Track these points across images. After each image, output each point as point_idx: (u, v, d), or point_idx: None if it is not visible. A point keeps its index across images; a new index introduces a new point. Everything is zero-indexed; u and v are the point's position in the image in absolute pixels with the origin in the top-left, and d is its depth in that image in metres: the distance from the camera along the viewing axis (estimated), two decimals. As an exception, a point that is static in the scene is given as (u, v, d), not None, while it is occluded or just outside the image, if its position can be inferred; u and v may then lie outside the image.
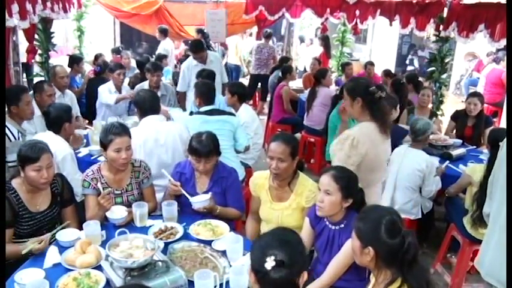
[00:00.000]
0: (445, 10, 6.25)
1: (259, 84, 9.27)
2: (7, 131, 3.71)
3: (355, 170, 2.69)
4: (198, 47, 5.81)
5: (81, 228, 2.64)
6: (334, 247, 2.51)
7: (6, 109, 3.74)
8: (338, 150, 2.90)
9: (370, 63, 8.23)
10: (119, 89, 5.47)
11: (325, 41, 9.31)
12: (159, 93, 5.25)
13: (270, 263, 1.59)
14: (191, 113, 4.25)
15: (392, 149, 4.14)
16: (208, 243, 2.56)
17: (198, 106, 4.18)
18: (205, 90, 4.18)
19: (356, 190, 2.52)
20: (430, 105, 5.84)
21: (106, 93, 5.31)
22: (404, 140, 4.31)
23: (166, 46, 8.88)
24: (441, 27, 6.25)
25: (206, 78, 4.91)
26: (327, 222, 2.57)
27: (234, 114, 4.30)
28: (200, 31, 8.66)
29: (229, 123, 4.00)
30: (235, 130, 4.03)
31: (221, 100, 4.93)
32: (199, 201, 2.86)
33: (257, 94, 9.77)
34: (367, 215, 1.97)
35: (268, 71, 8.95)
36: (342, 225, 2.52)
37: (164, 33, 8.91)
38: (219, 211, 2.93)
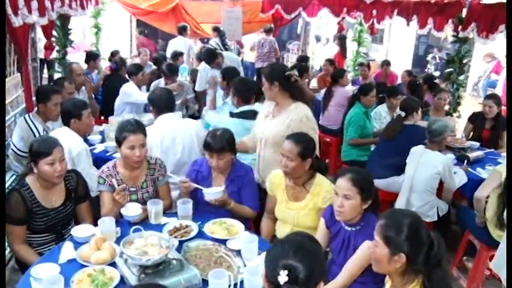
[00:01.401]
0: (464, 10, 6.18)
1: None
2: (33, 127, 3.77)
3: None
4: (211, 56, 5.77)
5: (96, 225, 2.65)
6: (350, 249, 2.48)
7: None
8: (310, 129, 3.16)
9: (387, 63, 8.19)
10: (139, 88, 5.52)
11: (342, 41, 9.26)
12: (175, 92, 5.29)
13: (283, 277, 1.49)
14: (231, 114, 4.07)
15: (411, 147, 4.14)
16: (223, 242, 2.55)
17: (237, 105, 4.08)
18: (244, 88, 4.05)
19: (373, 190, 2.49)
20: (446, 107, 5.78)
21: (138, 91, 5.35)
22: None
23: (174, 45, 8.88)
24: (460, 27, 6.17)
25: (229, 78, 4.86)
26: (343, 224, 2.53)
27: None
28: (216, 29, 8.66)
29: None
30: None
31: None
32: (212, 192, 2.86)
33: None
34: (396, 222, 1.90)
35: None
36: (358, 227, 2.48)
37: (179, 31, 8.93)
38: (233, 206, 2.93)
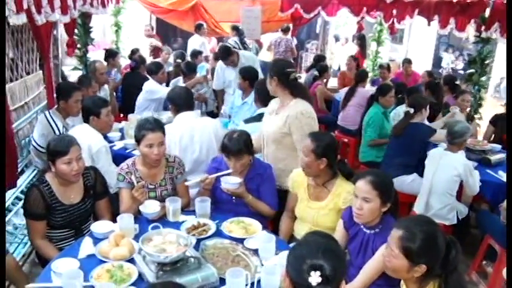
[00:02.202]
0: (487, 10, 6.07)
1: None
2: (53, 124, 3.82)
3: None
4: (225, 53, 5.74)
5: (115, 221, 2.67)
6: (368, 251, 2.47)
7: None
8: (305, 125, 3.14)
9: (408, 61, 8.09)
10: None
11: (361, 41, 9.20)
12: (193, 89, 5.33)
13: (315, 278, 1.47)
14: (245, 121, 4.06)
15: (416, 150, 4.18)
16: (241, 241, 2.55)
17: (257, 107, 4.06)
18: (265, 90, 3.93)
19: (393, 193, 2.46)
20: (467, 109, 5.70)
21: (163, 88, 5.41)
22: (432, 139, 4.23)
23: (191, 44, 8.96)
24: (483, 27, 6.07)
25: (249, 78, 4.84)
26: (362, 226, 2.52)
27: None
28: (235, 28, 8.68)
29: None
30: None
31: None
32: (229, 182, 2.89)
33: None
34: (414, 234, 1.88)
35: None
36: (377, 230, 2.46)
37: (195, 29, 8.98)
38: (250, 199, 2.95)
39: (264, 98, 3.92)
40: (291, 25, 9.38)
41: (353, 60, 7.76)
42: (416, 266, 1.87)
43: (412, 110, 4.38)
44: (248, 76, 4.84)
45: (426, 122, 4.52)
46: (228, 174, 2.99)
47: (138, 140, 2.88)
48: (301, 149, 2.83)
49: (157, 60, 7.23)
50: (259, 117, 3.84)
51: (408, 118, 4.39)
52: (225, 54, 5.67)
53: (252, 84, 4.87)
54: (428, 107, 4.48)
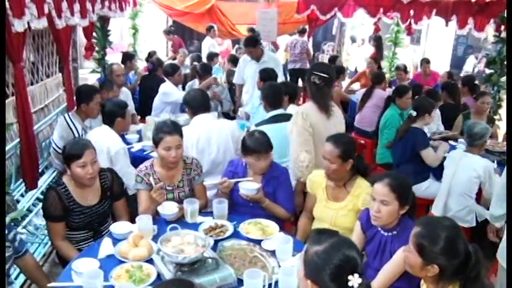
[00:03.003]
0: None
1: (299, 79, 9.21)
2: (72, 126, 3.88)
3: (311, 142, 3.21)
4: (248, 42, 5.76)
5: (133, 222, 2.70)
6: (386, 254, 2.45)
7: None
8: (293, 124, 3.30)
9: (426, 61, 7.98)
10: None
11: (378, 42, 9.14)
12: (209, 92, 5.35)
13: (355, 280, 1.47)
14: (256, 125, 3.98)
15: (410, 152, 4.18)
16: (258, 242, 2.55)
17: (266, 111, 4.06)
18: (270, 93, 3.97)
19: (411, 196, 2.44)
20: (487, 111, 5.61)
21: (178, 91, 5.46)
22: (422, 152, 4.18)
23: (203, 46, 9.05)
24: (502, 27, 5.99)
25: (266, 79, 4.80)
26: (379, 228, 2.50)
27: None
28: (251, 30, 8.70)
29: None
30: None
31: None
32: (247, 188, 2.90)
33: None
34: (432, 233, 1.87)
35: (304, 65, 8.93)
36: (395, 232, 2.45)
37: (206, 31, 9.05)
38: (267, 204, 2.95)
39: (271, 102, 3.93)
40: (307, 27, 9.37)
41: (374, 63, 7.72)
42: (429, 265, 1.86)
43: (414, 113, 4.32)
44: (266, 77, 4.84)
45: (426, 130, 4.45)
46: (247, 181, 3.00)
47: (156, 143, 2.91)
48: (324, 156, 2.80)
49: (173, 62, 7.29)
50: (270, 120, 3.85)
51: (410, 121, 4.34)
52: (247, 44, 5.70)
53: None
54: (433, 112, 4.40)
